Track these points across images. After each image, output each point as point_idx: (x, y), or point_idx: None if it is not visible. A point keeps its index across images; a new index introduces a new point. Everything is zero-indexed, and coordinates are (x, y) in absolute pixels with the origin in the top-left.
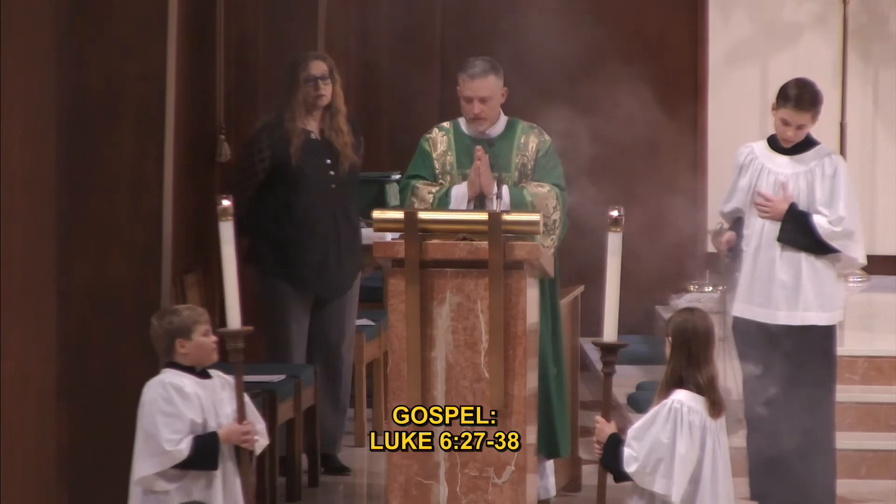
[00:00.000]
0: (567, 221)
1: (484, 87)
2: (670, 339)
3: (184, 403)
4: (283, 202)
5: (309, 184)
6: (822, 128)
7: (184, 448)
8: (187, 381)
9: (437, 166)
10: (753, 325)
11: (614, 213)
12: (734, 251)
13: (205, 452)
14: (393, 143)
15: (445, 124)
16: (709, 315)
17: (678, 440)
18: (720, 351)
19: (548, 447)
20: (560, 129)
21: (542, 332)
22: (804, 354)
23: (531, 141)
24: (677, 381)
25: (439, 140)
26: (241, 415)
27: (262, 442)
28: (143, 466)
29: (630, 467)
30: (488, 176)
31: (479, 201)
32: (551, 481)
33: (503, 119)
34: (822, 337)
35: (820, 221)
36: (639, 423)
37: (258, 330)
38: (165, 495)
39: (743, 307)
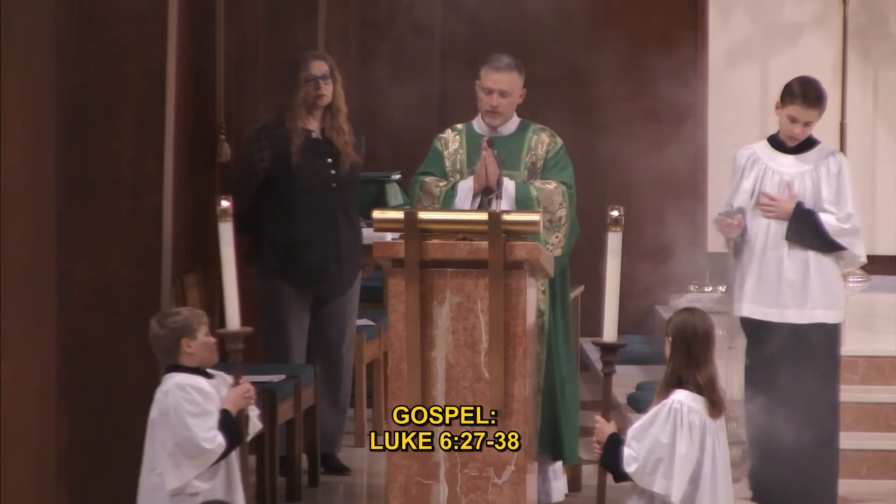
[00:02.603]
0: (578, 228)
1: (505, 81)
2: (670, 338)
3: (206, 401)
4: (284, 202)
5: (309, 183)
6: (822, 128)
7: (221, 441)
8: (201, 380)
9: (447, 164)
10: (760, 326)
11: (614, 213)
12: (738, 245)
13: (231, 432)
14: (393, 143)
15: (459, 125)
16: (709, 315)
17: (678, 440)
18: (722, 351)
19: (553, 449)
20: (560, 129)
21: (554, 332)
22: (811, 353)
23: (542, 141)
24: (677, 381)
25: (451, 139)
26: (237, 380)
27: (256, 424)
28: (184, 472)
29: (630, 467)
30: (494, 168)
31: (485, 194)
32: (556, 486)
33: (516, 119)
34: (829, 335)
35: (827, 219)
36: (638, 423)
37: (258, 330)
38: (193, 497)
39: (751, 307)
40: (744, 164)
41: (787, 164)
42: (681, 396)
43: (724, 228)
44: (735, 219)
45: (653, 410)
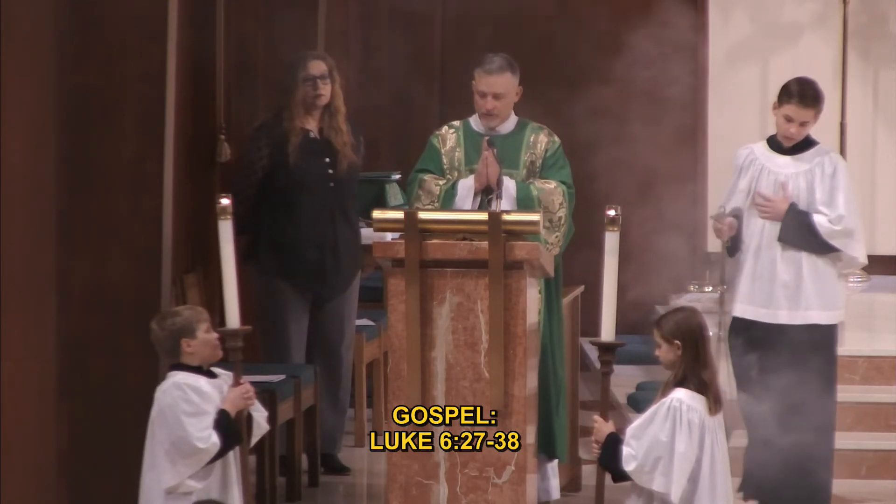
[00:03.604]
0: (573, 227)
1: (499, 83)
2: (678, 341)
3: (203, 401)
4: (282, 201)
5: (307, 183)
6: (822, 128)
7: (216, 440)
8: (200, 380)
9: (445, 162)
10: (754, 326)
11: (611, 213)
12: (733, 247)
13: (227, 433)
14: (393, 143)
15: (455, 122)
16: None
17: (677, 438)
18: (717, 351)
19: (546, 448)
20: (560, 129)
21: (548, 332)
22: (806, 354)
23: (540, 140)
24: (680, 379)
25: (448, 137)
26: (236, 380)
27: (262, 426)
28: (178, 471)
29: (629, 466)
30: (495, 167)
31: (486, 194)
32: (553, 484)
33: (513, 118)
34: (824, 337)
35: (820, 220)
36: (637, 421)
37: (257, 329)
38: (188, 496)
39: (744, 308)
40: (742, 163)
41: (783, 165)
42: (680, 395)
43: (715, 232)
44: (724, 222)
45: (652, 409)
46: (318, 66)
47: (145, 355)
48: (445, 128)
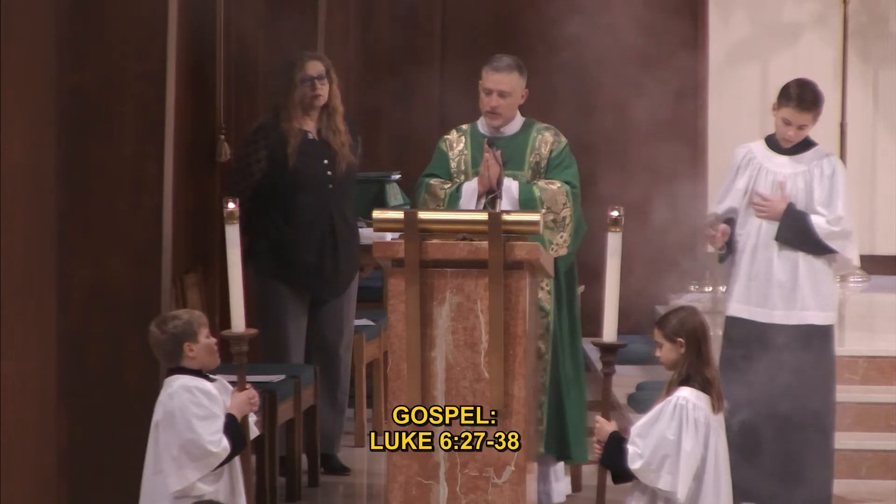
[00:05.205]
0: (585, 225)
1: (505, 81)
2: (682, 339)
3: (212, 404)
4: (280, 202)
5: (306, 184)
6: (822, 128)
7: (226, 445)
8: (206, 383)
9: (452, 165)
10: (750, 326)
11: (614, 214)
12: (728, 246)
13: (236, 437)
14: (393, 143)
15: (464, 126)
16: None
17: (684, 437)
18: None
19: (558, 449)
20: (561, 127)
21: (559, 331)
22: (802, 355)
23: (546, 140)
24: (684, 379)
25: (456, 140)
26: (241, 385)
27: (253, 430)
28: (187, 474)
29: (635, 464)
30: (496, 168)
31: (489, 195)
32: (556, 487)
33: (519, 119)
34: (821, 337)
35: (818, 221)
36: (642, 420)
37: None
38: (198, 499)
39: (740, 307)
40: (739, 162)
41: (782, 165)
42: (685, 393)
43: (708, 239)
44: (717, 229)
45: (657, 407)
46: (315, 67)
47: (145, 355)
48: (453, 132)
